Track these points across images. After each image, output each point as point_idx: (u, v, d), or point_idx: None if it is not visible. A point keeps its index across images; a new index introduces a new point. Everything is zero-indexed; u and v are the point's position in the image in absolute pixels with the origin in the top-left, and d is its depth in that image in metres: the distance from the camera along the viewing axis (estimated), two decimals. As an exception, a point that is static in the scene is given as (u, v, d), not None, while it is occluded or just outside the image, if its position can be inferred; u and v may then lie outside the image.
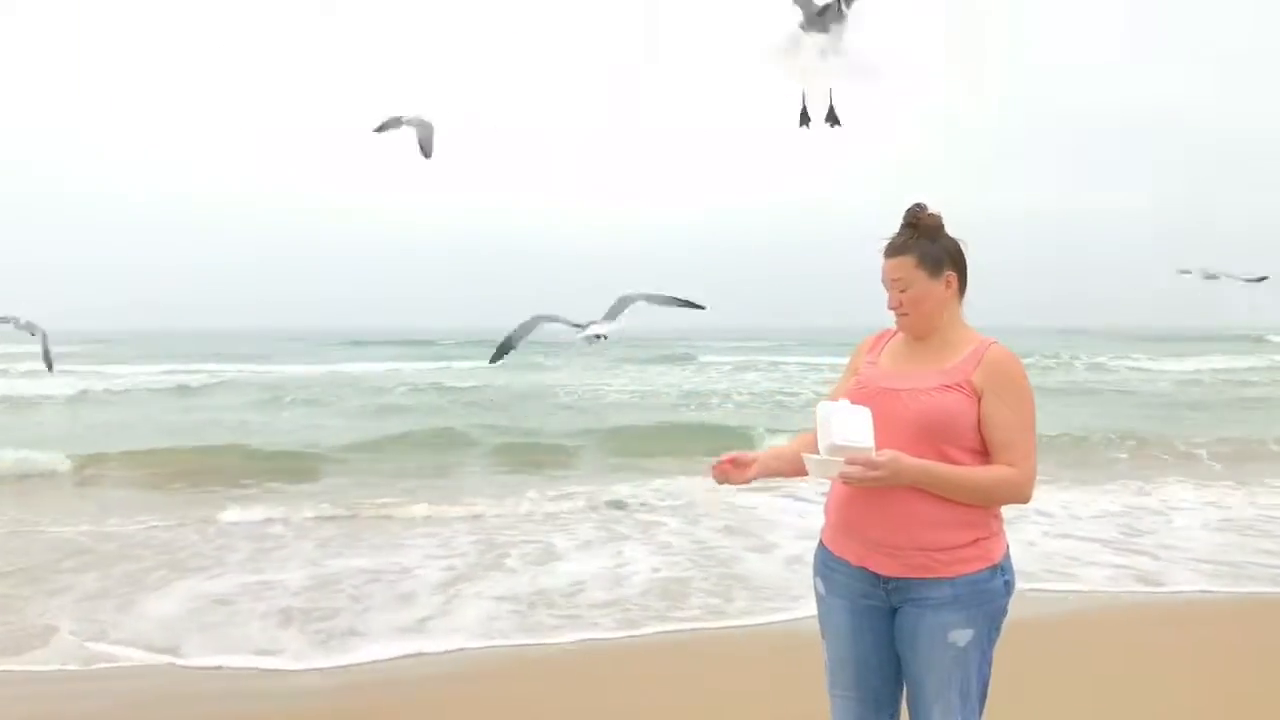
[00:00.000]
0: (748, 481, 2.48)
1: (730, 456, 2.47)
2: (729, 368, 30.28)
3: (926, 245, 2.39)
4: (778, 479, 2.57)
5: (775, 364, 31.12)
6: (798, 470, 2.46)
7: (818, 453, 2.31)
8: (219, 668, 4.61)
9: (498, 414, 16.69)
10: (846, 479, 2.25)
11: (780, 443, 2.74)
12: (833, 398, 2.44)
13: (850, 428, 2.24)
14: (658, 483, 9.73)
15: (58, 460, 10.92)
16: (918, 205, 2.43)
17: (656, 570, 6.44)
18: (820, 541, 2.53)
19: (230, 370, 27.61)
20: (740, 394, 21.16)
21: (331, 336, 56.27)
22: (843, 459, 2.23)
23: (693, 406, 18.75)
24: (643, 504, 8.78)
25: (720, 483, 2.48)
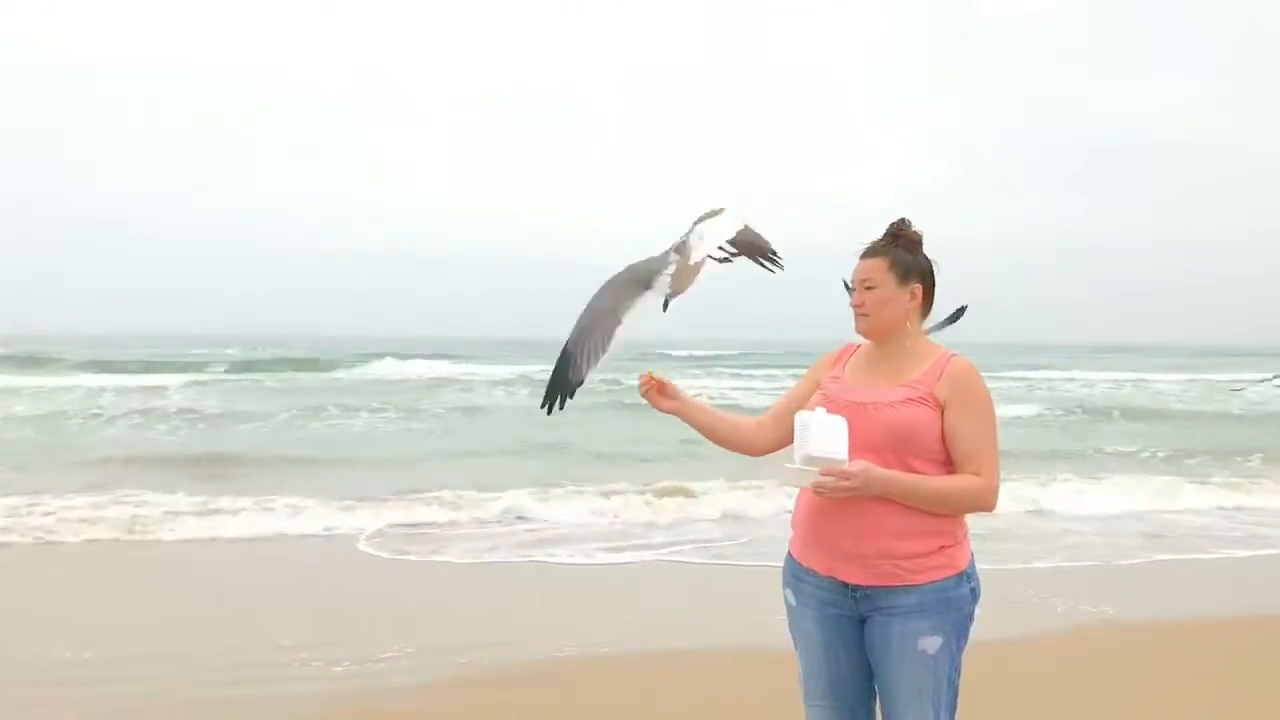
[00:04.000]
0: (664, 410, 2.60)
1: (659, 379, 2.59)
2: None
3: (902, 254, 2.47)
4: (689, 427, 2.65)
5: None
6: (725, 440, 2.64)
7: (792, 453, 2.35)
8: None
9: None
10: (819, 489, 2.30)
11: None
12: (788, 405, 2.53)
13: (827, 438, 2.28)
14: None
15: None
16: (902, 220, 2.51)
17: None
18: (788, 552, 2.57)
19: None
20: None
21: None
22: (817, 469, 2.27)
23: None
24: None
25: (643, 394, 2.59)
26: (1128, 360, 52.86)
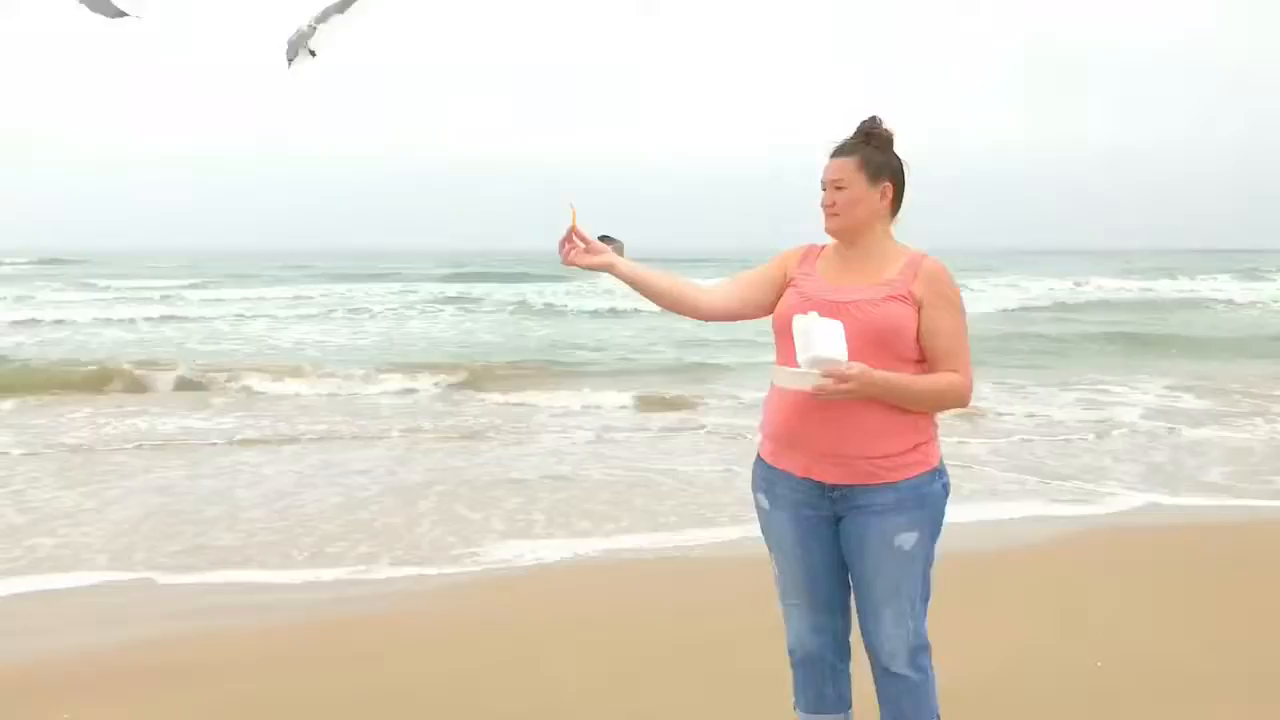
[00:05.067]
0: (593, 266, 2.44)
1: (584, 235, 2.44)
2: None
3: (873, 153, 2.42)
4: (626, 288, 2.50)
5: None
6: (668, 301, 2.49)
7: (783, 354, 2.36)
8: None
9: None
10: (819, 391, 2.27)
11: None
12: (749, 280, 2.52)
13: (829, 341, 2.27)
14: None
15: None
16: (873, 118, 2.45)
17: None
18: (758, 456, 2.55)
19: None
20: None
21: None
22: (818, 372, 2.25)
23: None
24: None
25: (567, 258, 2.43)
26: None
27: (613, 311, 23.09)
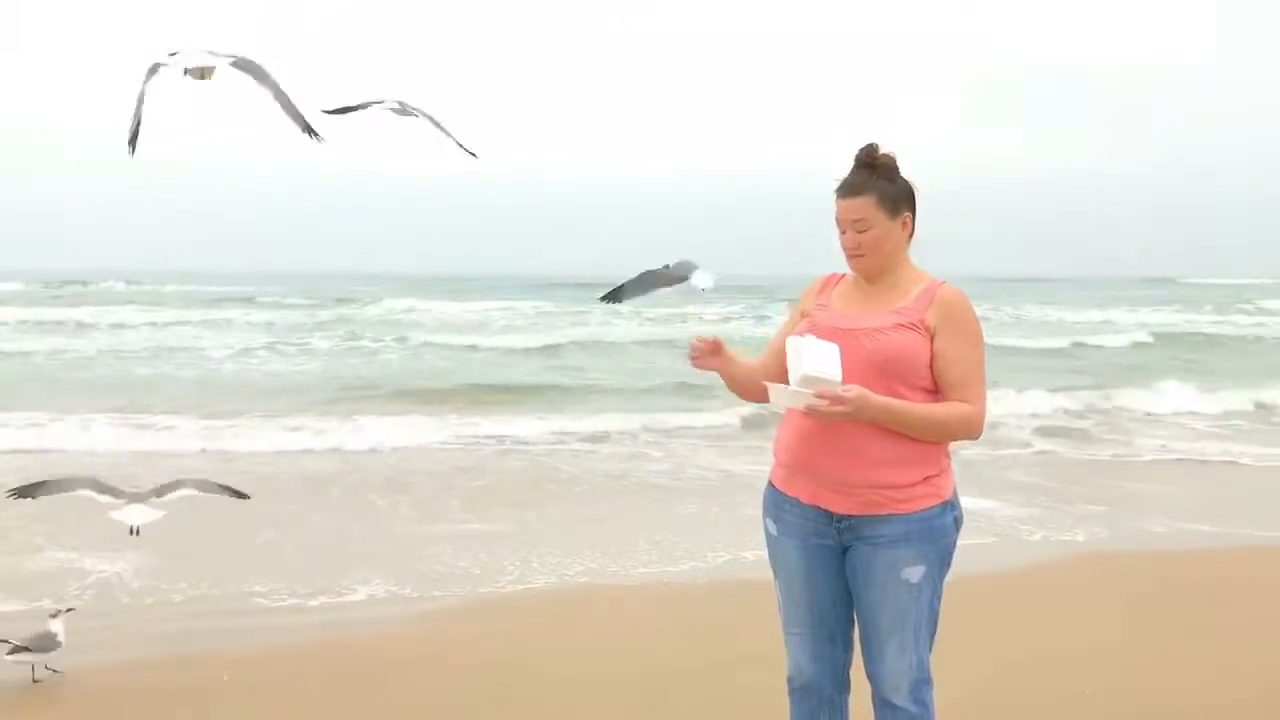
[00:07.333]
0: (710, 368, 2.46)
1: (712, 339, 2.44)
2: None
3: (886, 185, 2.38)
4: (725, 385, 2.53)
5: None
6: (746, 390, 2.49)
7: (782, 383, 2.32)
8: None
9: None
10: (812, 410, 2.24)
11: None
12: (782, 340, 2.47)
13: (822, 360, 2.24)
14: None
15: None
16: (872, 145, 2.40)
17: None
18: (769, 482, 2.54)
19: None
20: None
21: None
22: (811, 391, 2.22)
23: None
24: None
25: (694, 359, 2.45)
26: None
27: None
